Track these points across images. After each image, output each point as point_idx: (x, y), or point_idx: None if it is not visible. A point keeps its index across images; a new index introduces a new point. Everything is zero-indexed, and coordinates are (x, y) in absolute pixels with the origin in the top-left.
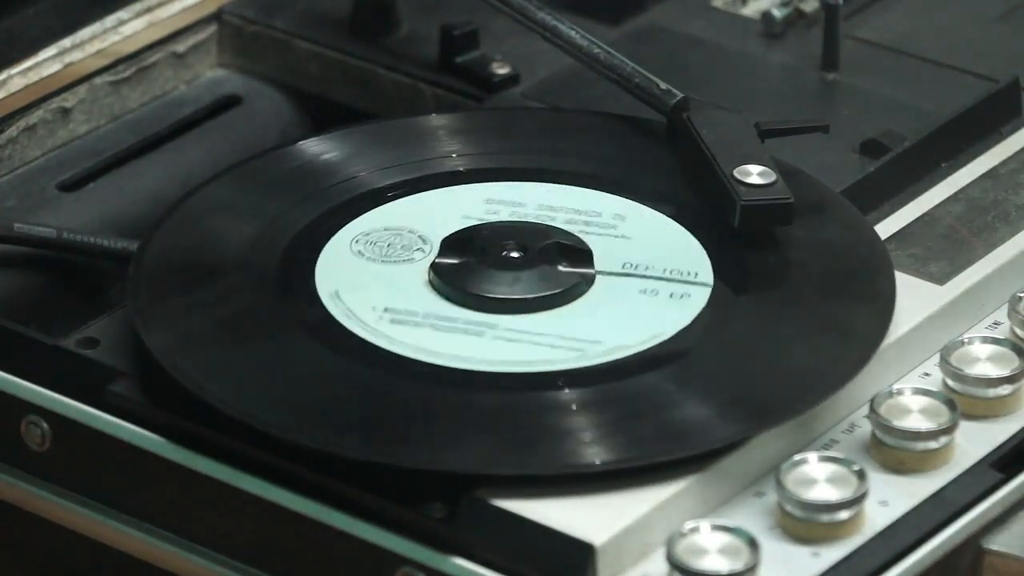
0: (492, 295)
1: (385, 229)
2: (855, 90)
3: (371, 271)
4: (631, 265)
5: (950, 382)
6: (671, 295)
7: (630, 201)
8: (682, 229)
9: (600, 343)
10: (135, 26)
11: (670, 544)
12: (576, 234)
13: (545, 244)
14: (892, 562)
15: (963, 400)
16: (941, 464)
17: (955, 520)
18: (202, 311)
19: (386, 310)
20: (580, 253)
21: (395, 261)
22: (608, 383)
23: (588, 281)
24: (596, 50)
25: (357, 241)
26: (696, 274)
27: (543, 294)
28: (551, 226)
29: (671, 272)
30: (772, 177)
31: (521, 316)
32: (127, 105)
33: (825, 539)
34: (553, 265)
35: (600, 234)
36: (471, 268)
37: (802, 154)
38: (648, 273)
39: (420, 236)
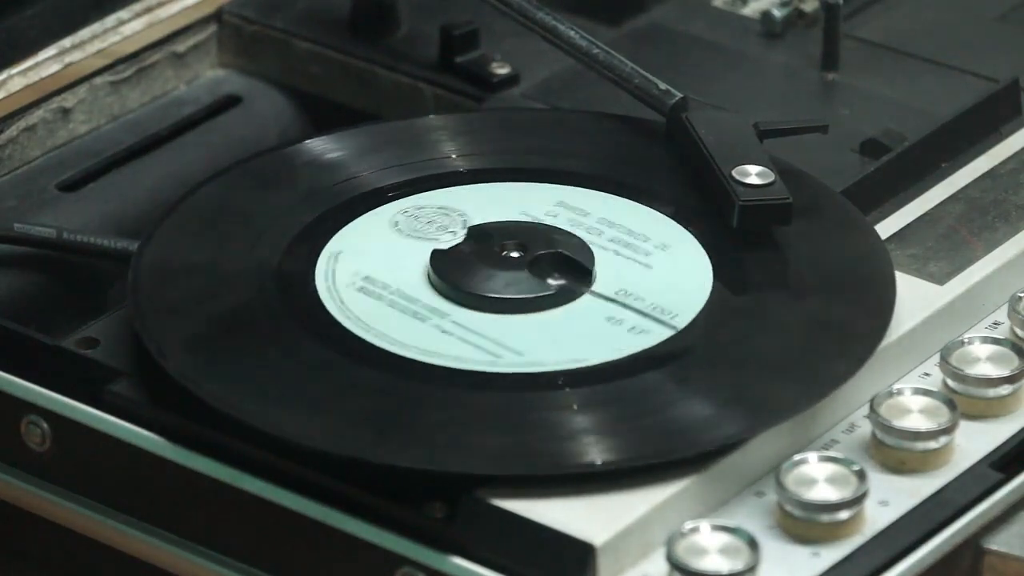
0: (455, 285)
1: (439, 207)
2: (855, 90)
3: (390, 241)
4: (624, 292)
5: (950, 382)
6: (631, 328)
7: (689, 234)
8: (708, 274)
9: (521, 355)
10: (135, 26)
11: (670, 544)
12: (606, 252)
13: (546, 252)
14: (892, 562)
15: (963, 400)
16: (941, 464)
17: (955, 520)
18: (202, 311)
19: (365, 278)
20: (579, 270)
21: (420, 238)
22: (609, 383)
23: (567, 296)
24: (595, 50)
25: (405, 212)
26: (675, 315)
27: (500, 296)
28: (572, 237)
29: (653, 308)
30: (771, 177)
31: (474, 312)
32: (127, 105)
33: (825, 539)
34: (539, 274)
35: (628, 257)
36: (464, 258)
37: (802, 154)
38: (632, 304)
39: (465, 220)
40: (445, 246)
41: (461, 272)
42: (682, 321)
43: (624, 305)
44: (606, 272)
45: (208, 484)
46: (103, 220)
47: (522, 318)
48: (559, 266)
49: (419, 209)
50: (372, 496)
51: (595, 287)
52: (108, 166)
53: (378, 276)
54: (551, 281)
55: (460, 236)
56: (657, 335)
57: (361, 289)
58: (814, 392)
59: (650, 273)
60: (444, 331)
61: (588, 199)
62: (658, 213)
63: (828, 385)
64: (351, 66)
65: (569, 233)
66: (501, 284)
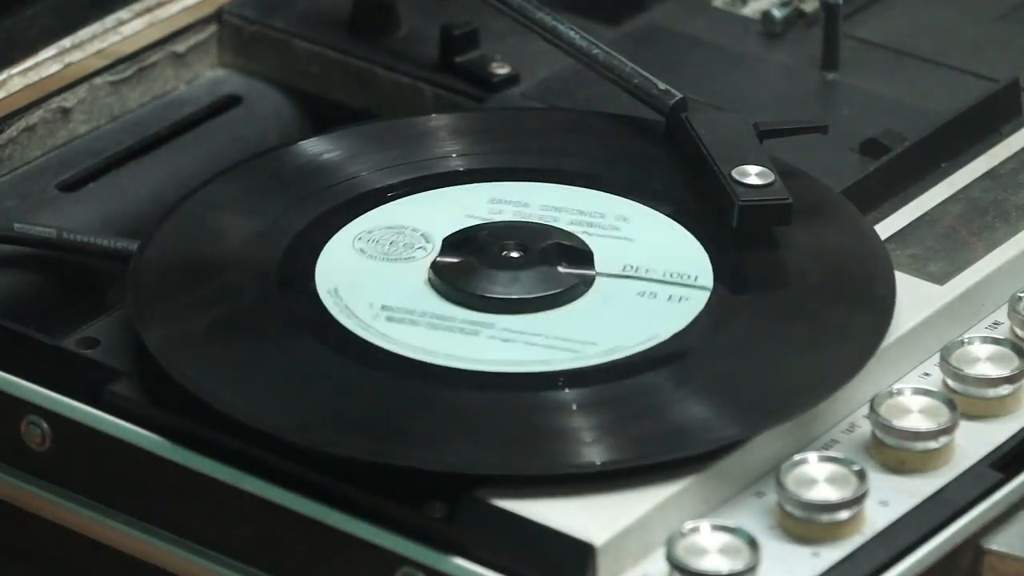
0: (489, 294)
1: (388, 227)
2: (855, 90)
3: (371, 269)
4: (632, 267)
5: (950, 382)
6: (669, 298)
7: (633, 202)
8: (684, 231)
9: (595, 344)
10: (135, 26)
11: (670, 544)
12: (579, 235)
13: (546, 244)
14: (892, 562)
15: (963, 400)
16: (941, 464)
17: (955, 520)
18: (202, 311)
19: (383, 308)
20: (581, 254)
21: (396, 259)
22: (608, 383)
23: (587, 282)
24: (595, 50)
25: (359, 239)
26: (696, 277)
27: (541, 294)
28: (553, 227)
29: (672, 275)
30: (770, 178)
31: (518, 316)
32: (127, 105)
33: (825, 539)
34: (553, 266)
35: (602, 235)
36: (471, 267)
37: (802, 154)
38: (648, 276)
39: (423, 235)
40: (428, 261)
41: (484, 281)
42: (706, 281)
43: (645, 279)
44: (597, 254)
45: (208, 484)
46: (103, 220)
47: (563, 311)
48: (562, 256)
49: (370, 233)
50: (372, 496)
51: (604, 269)
52: (108, 166)
53: (393, 303)
54: (563, 271)
55: (434, 249)
56: (697, 300)
57: (390, 319)
58: (814, 392)
59: (635, 245)
60: (505, 340)
61: (517, 191)
62: (589, 190)
63: (828, 385)
64: (351, 66)
65: (546, 224)
66: (532, 283)
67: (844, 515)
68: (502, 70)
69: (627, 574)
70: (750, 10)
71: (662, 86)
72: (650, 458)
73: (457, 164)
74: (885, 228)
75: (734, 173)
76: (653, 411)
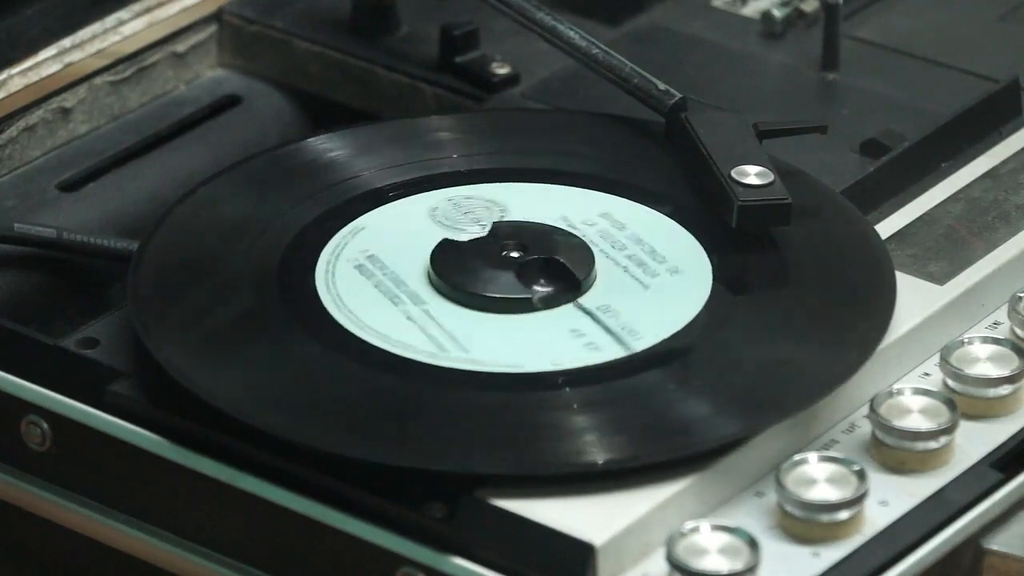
0: (491, 294)
1: (488, 200)
2: (855, 90)
3: (418, 226)
4: (605, 308)
5: (950, 382)
6: (587, 344)
7: (707, 263)
8: (699, 306)
9: (466, 352)
10: (135, 26)
11: (670, 544)
12: (616, 266)
13: (541, 258)
14: (892, 562)
15: (963, 400)
16: (941, 464)
17: (955, 520)
18: (202, 310)
19: (369, 256)
20: (569, 280)
21: (449, 227)
22: (608, 382)
23: (547, 302)
24: (595, 51)
25: (450, 199)
26: (638, 337)
27: (477, 293)
28: (582, 246)
29: (622, 328)
30: (770, 178)
31: (450, 305)
32: (127, 105)
33: (825, 539)
34: (527, 278)
35: (633, 275)
36: (472, 267)
37: (802, 154)
38: (603, 319)
39: (503, 216)
40: (459, 238)
41: (452, 264)
42: (640, 344)
43: (595, 319)
44: (601, 284)
45: (208, 484)
46: (103, 220)
47: (492, 317)
48: (551, 272)
49: (467, 199)
50: (372, 496)
51: (584, 301)
52: (108, 166)
53: (382, 256)
54: (536, 287)
55: (485, 231)
56: (608, 353)
57: (359, 267)
58: (814, 392)
59: (643, 294)
60: (410, 318)
61: (633, 213)
62: (693, 238)
63: (828, 385)
64: (351, 66)
65: (580, 241)
66: (482, 281)
67: (844, 515)
68: (502, 70)
69: (627, 574)
70: (750, 10)
71: (662, 86)
72: (650, 457)
73: (458, 164)
74: (885, 228)
75: (733, 173)
76: (653, 410)
